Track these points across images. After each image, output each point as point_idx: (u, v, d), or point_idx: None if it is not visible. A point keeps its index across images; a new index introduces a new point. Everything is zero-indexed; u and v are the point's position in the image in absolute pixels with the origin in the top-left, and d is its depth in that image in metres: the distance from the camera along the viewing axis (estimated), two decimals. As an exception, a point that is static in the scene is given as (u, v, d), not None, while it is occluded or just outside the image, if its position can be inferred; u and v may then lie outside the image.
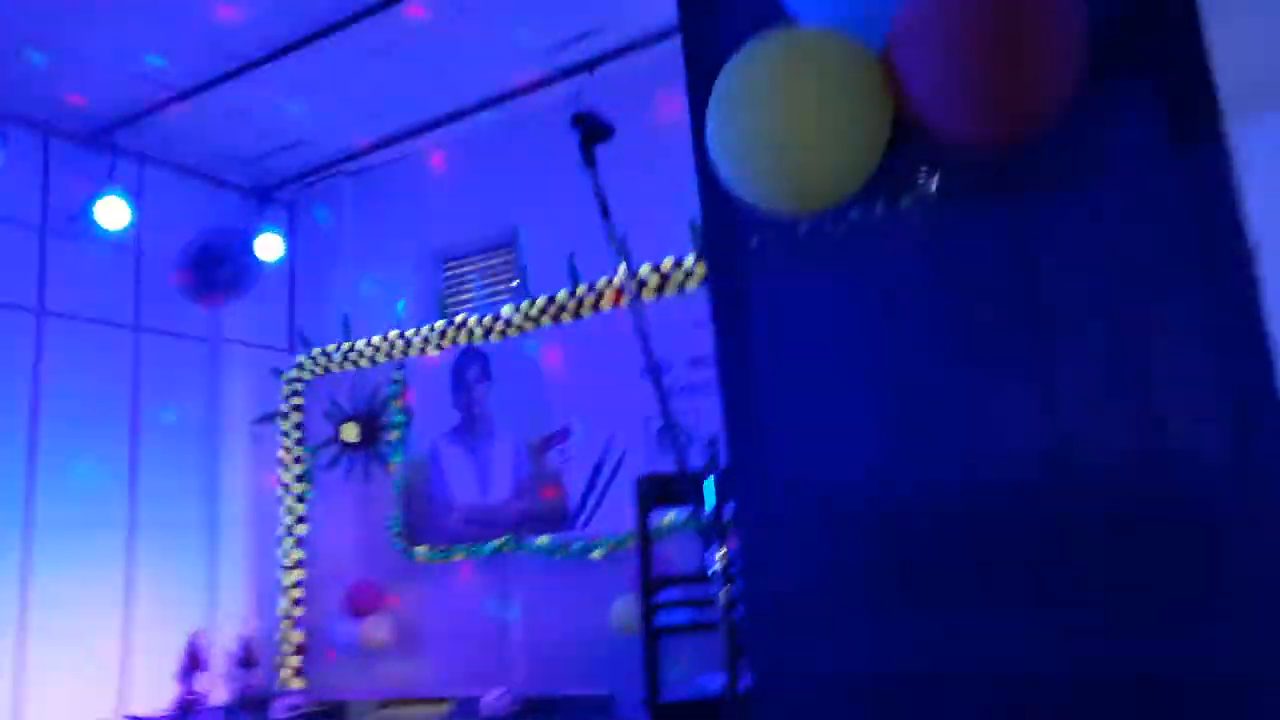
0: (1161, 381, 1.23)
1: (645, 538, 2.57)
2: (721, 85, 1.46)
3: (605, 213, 1.89)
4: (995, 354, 1.42)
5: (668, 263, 5.78)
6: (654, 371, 2.00)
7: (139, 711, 6.20)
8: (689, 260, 5.73)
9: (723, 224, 1.59)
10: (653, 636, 2.48)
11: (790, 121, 1.41)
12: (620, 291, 5.83)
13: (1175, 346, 1.21)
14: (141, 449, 6.59)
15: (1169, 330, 1.22)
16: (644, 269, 5.84)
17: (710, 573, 1.84)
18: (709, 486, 1.83)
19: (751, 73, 1.46)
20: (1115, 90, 1.27)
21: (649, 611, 2.51)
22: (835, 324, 1.61)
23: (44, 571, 5.92)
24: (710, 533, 1.90)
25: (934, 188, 1.32)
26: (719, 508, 1.86)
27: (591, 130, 1.88)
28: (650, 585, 2.54)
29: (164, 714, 6.27)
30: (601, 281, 6.05)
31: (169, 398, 6.77)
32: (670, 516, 4.91)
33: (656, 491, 2.62)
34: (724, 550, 1.88)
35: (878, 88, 1.36)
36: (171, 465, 6.73)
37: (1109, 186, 1.31)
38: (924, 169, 1.35)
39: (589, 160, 1.90)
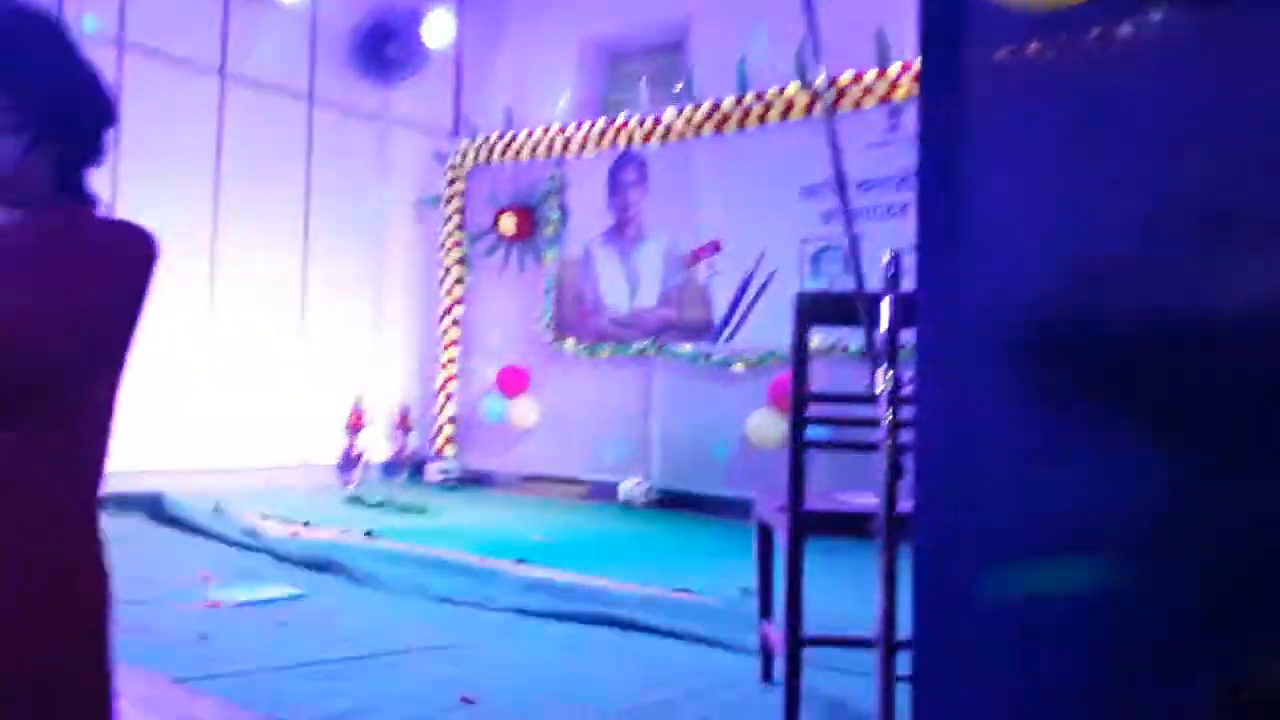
0: None
1: (802, 351, 2.56)
2: None
3: (817, 51, 1.77)
4: (1225, 196, 1.29)
5: (847, 76, 5.47)
6: (842, 187, 1.92)
7: (312, 459, 6.85)
8: (870, 75, 5.41)
9: (944, 34, 1.47)
10: (800, 448, 2.52)
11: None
12: (816, 96, 5.51)
13: None
14: (312, 219, 6.94)
15: None
16: (819, 80, 5.55)
17: (877, 393, 1.83)
18: (884, 307, 1.78)
19: None
20: None
21: (799, 424, 2.53)
22: (1047, 149, 1.49)
23: (222, 348, 6.33)
24: (881, 354, 1.88)
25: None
26: (894, 330, 1.82)
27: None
28: (803, 399, 2.55)
29: (331, 464, 6.92)
30: (771, 91, 5.80)
31: (339, 172, 7.03)
32: (816, 339, 4.88)
33: (815, 309, 2.58)
34: (892, 372, 1.86)
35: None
36: (341, 238, 7.08)
37: None
38: None
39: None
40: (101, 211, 1.08)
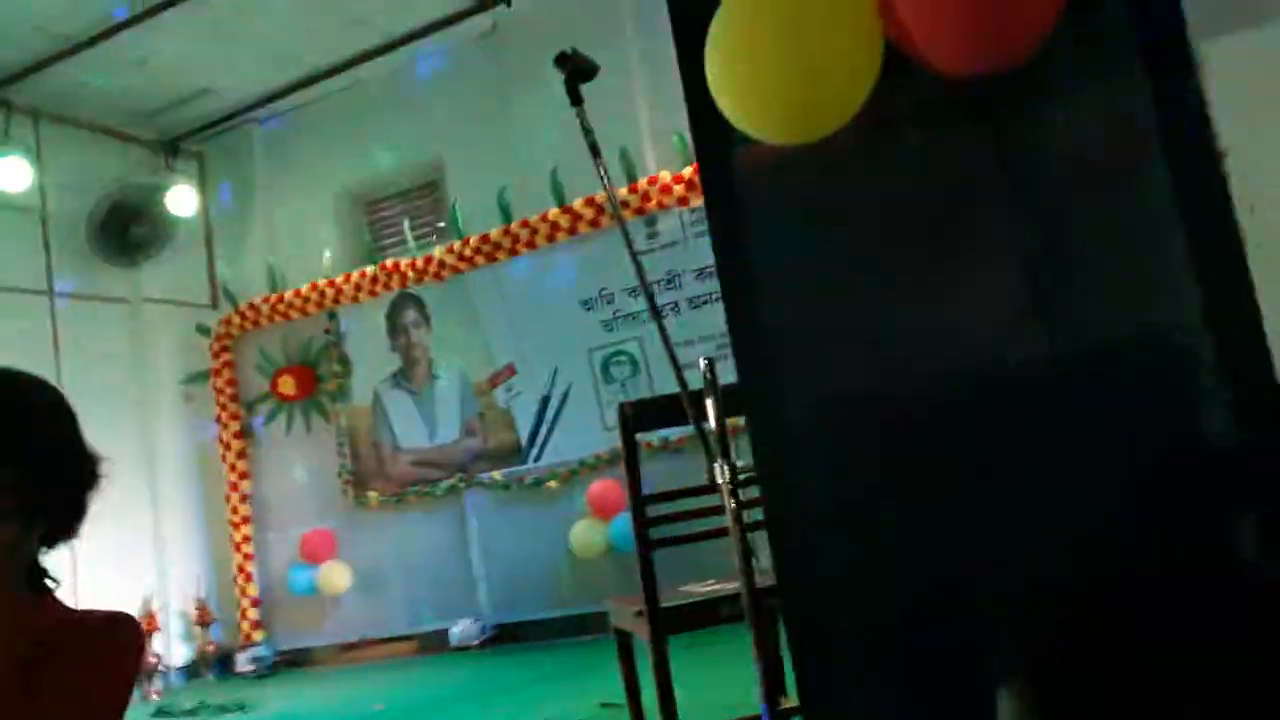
0: (1135, 262, 1.39)
1: (633, 459, 2.69)
2: (719, 28, 1.54)
3: (596, 152, 1.96)
4: (982, 247, 1.56)
5: (601, 194, 5.83)
6: (649, 294, 2.09)
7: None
8: (623, 190, 5.79)
9: (717, 144, 1.69)
10: (648, 550, 2.62)
11: (790, 55, 1.50)
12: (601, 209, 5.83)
13: (1149, 232, 1.38)
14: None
15: (1144, 220, 1.38)
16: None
17: (719, 483, 1.97)
18: (709, 402, 1.95)
19: (745, 12, 1.55)
20: (1085, 17, 1.40)
21: (643, 526, 2.64)
22: (830, 233, 1.73)
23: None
24: (714, 446, 2.03)
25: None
26: (721, 421, 1.98)
27: (577, 69, 1.93)
28: (641, 501, 2.67)
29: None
30: (534, 218, 6.06)
31: (93, 363, 6.55)
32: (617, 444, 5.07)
33: (639, 416, 2.73)
34: (727, 463, 2.01)
35: (871, 17, 1.46)
36: (105, 433, 6.54)
37: (1080, 105, 1.46)
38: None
39: (575, 100, 1.95)
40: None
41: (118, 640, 0.99)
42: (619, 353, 5.90)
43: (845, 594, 1.63)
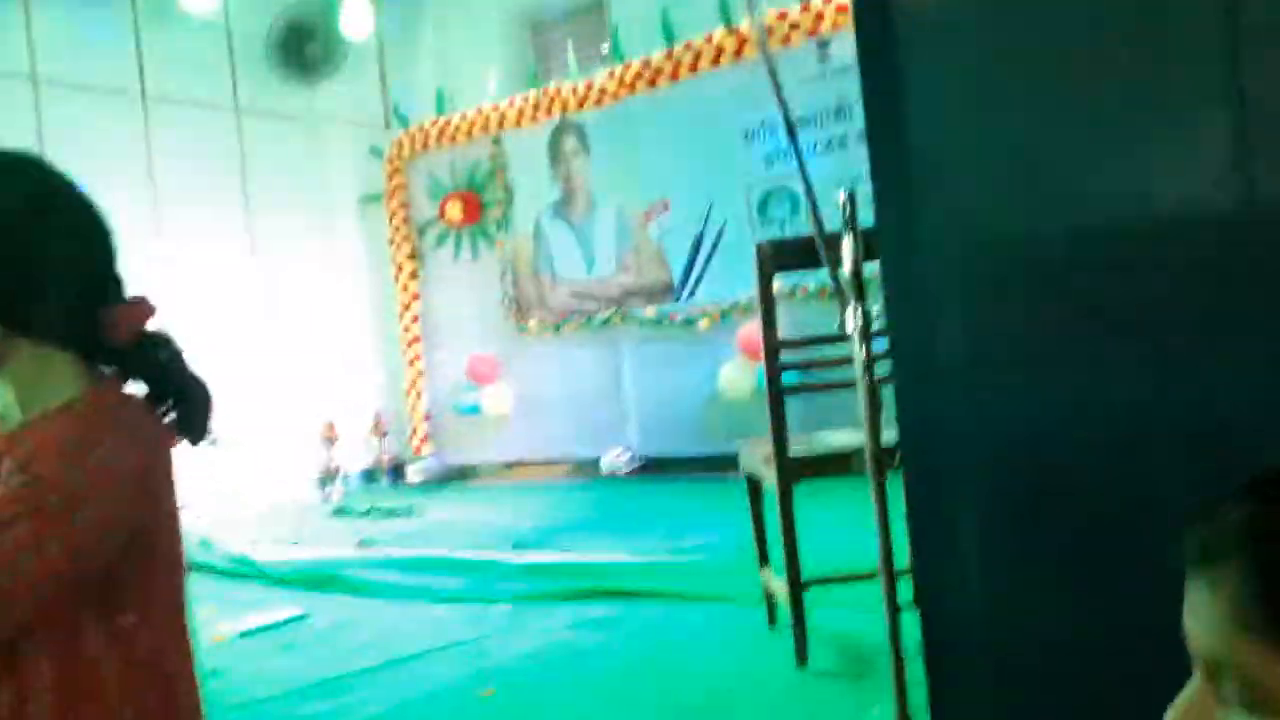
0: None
1: (768, 301, 2.55)
2: None
3: None
4: (1178, 87, 1.29)
5: (772, 15, 5.41)
6: (787, 119, 1.89)
7: (291, 479, 6.77)
8: (795, 10, 5.35)
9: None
10: (779, 396, 2.51)
11: None
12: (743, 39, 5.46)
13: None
14: (257, 234, 6.79)
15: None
16: (746, 22, 5.49)
17: (849, 332, 1.82)
18: (846, 240, 1.77)
19: None
20: None
21: (776, 373, 2.53)
22: (989, 75, 1.48)
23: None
24: (847, 293, 1.87)
25: None
26: (858, 263, 1.81)
27: None
28: (775, 347, 2.55)
29: (310, 480, 6.86)
30: (699, 40, 5.73)
31: (276, 178, 6.87)
32: (776, 284, 4.90)
33: (776, 258, 2.57)
34: (861, 309, 1.85)
35: None
36: (289, 249, 6.93)
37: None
38: None
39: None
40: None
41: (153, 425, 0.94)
42: (779, 189, 5.63)
43: (972, 461, 1.47)
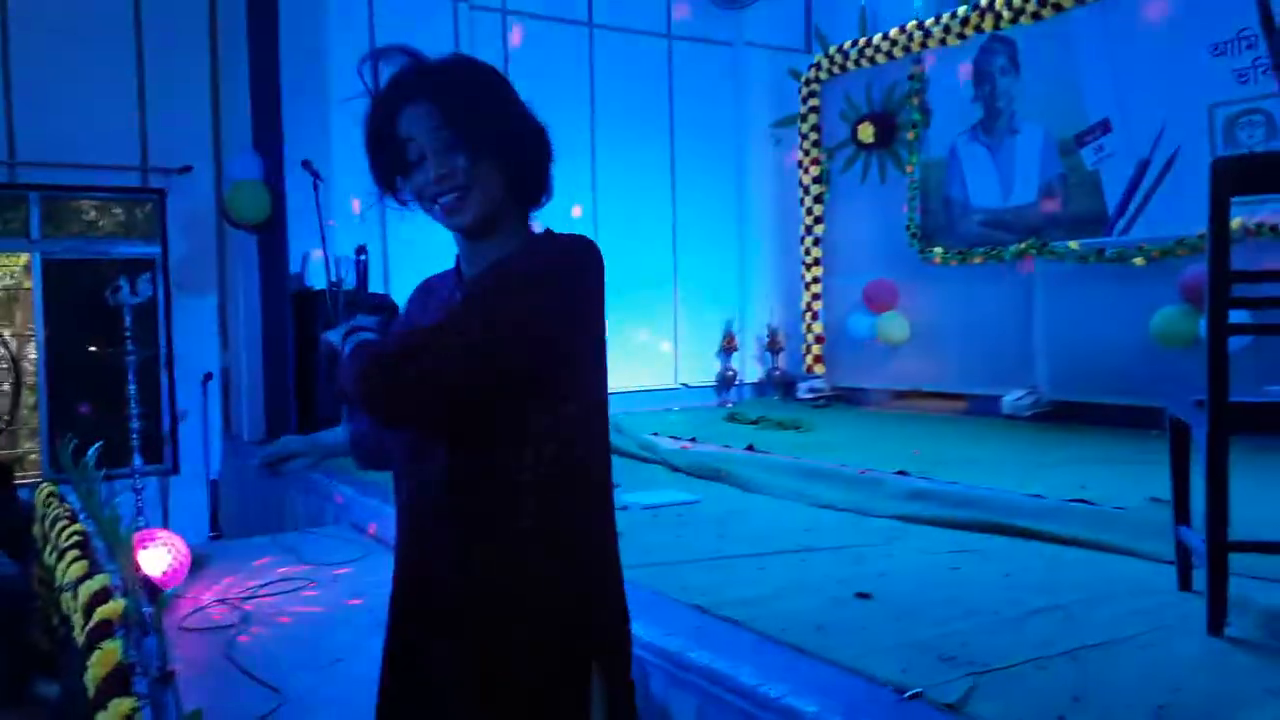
0: None
1: (1221, 228, 2.25)
2: None
3: None
4: None
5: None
6: (1269, 28, 1.66)
7: (688, 383, 7.30)
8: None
9: None
10: (1223, 334, 2.23)
11: None
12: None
13: None
14: (677, 153, 7.26)
15: None
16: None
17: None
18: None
19: None
20: None
21: (1221, 306, 2.25)
22: None
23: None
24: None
25: None
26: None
27: None
28: (1227, 277, 2.25)
29: (708, 386, 7.33)
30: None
31: (699, 102, 7.29)
32: (1236, 220, 4.25)
33: (1238, 176, 2.25)
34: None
35: None
36: (703, 168, 7.35)
37: None
38: None
39: None
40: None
41: (578, 252, 1.18)
42: (1252, 111, 4.84)
43: None
